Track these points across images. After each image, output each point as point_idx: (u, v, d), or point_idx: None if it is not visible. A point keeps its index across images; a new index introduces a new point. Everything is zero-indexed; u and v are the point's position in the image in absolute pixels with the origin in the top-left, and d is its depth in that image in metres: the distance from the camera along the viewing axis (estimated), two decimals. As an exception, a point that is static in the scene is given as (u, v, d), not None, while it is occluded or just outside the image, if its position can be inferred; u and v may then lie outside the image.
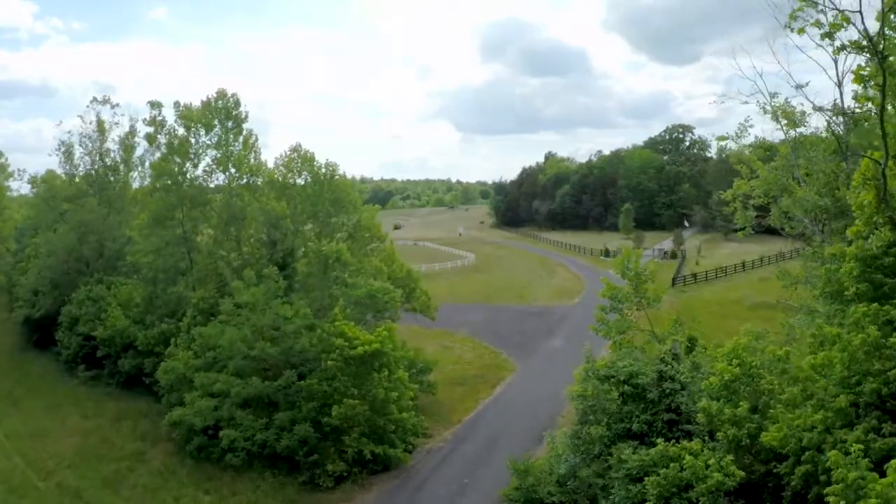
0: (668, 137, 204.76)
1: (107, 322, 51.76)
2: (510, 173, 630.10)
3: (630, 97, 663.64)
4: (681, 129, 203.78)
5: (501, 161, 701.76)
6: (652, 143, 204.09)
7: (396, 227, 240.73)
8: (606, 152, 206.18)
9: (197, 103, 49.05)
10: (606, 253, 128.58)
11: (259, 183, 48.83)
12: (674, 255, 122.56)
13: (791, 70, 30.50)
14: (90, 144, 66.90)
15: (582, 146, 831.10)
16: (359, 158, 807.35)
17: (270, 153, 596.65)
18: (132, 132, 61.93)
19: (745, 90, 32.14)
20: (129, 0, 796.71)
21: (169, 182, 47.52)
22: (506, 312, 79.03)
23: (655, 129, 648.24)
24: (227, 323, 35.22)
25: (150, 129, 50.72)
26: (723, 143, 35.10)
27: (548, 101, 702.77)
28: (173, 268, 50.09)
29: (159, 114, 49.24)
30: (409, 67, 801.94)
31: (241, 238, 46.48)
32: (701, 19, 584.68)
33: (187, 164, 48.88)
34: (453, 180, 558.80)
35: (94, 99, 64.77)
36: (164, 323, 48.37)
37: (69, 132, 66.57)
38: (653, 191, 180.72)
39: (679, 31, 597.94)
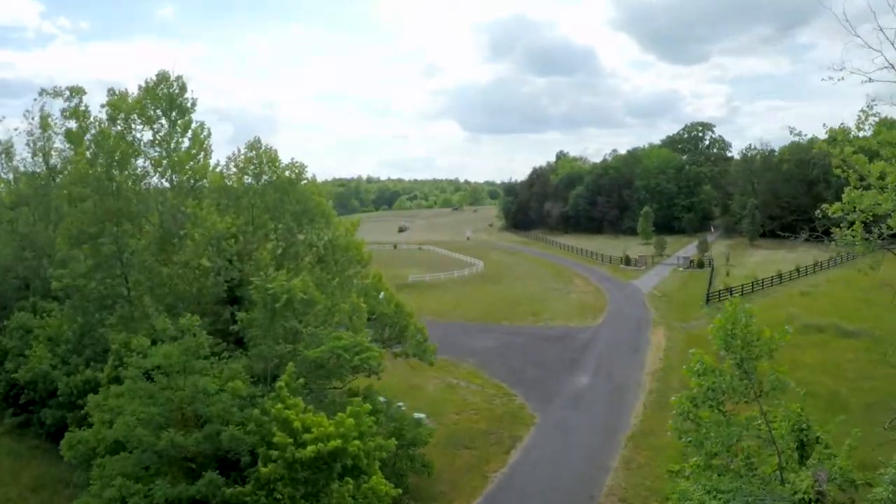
0: (686, 136, 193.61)
1: (30, 361, 41.68)
2: (517, 173, 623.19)
3: (637, 96, 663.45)
4: (700, 128, 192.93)
5: (507, 160, 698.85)
6: (670, 142, 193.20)
7: (401, 230, 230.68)
8: (622, 151, 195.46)
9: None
10: (627, 261, 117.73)
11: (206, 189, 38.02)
12: (700, 264, 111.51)
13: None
14: (34, 144, 57.42)
15: (589, 146, 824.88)
16: (365, 158, 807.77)
17: (279, 153, 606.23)
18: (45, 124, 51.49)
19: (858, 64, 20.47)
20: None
21: (91, 190, 36.81)
22: (519, 336, 68.59)
23: (663, 128, 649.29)
24: (133, 395, 24.60)
25: (73, 124, 40.28)
26: (839, 137, 23.56)
27: (554, 100, 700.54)
28: (109, 296, 39.51)
29: (80, 103, 38.73)
30: (415, 66, 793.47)
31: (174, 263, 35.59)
32: (708, 18, 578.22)
33: (118, 167, 38.11)
34: (460, 180, 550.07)
35: (43, 91, 54.49)
36: (91, 368, 38.29)
37: (16, 129, 57.53)
38: (672, 192, 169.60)
39: (686, 31, 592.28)
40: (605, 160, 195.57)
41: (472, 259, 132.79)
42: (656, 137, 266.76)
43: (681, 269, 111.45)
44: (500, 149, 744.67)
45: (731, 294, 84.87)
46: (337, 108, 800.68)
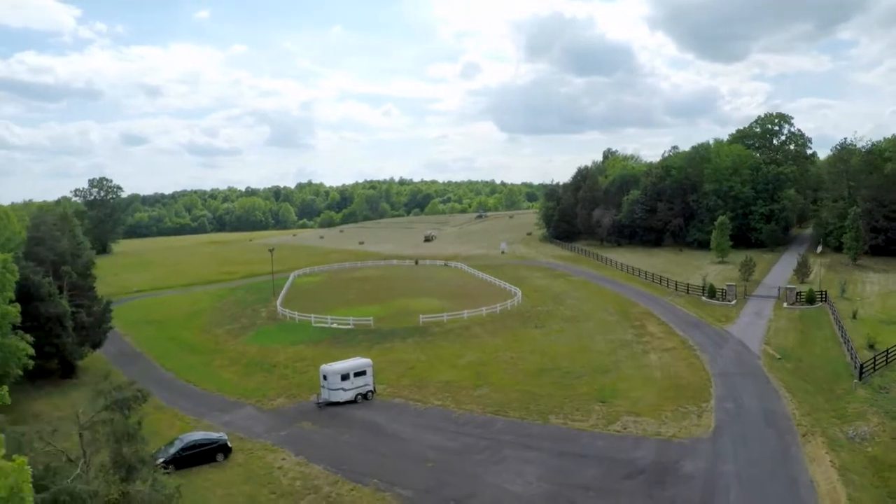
0: (758, 130, 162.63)
1: None
2: (556, 174, 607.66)
3: (677, 95, 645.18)
4: (776, 119, 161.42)
5: (546, 161, 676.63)
6: (740, 137, 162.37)
7: (428, 240, 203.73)
8: (684, 148, 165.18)
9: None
10: (711, 292, 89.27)
11: None
12: (810, 299, 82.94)
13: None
14: None
15: (628, 146, 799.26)
16: (402, 159, 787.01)
17: (316, 155, 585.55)
18: None
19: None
20: (171, 3, 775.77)
21: None
22: (585, 462, 41.06)
23: (703, 127, 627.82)
24: None
25: None
26: None
27: (593, 99, 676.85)
28: None
29: None
30: (453, 66, 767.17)
31: None
32: (747, 15, 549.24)
33: None
34: (497, 181, 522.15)
35: None
36: None
37: None
38: (748, 198, 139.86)
39: (725, 28, 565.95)
40: (665, 158, 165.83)
41: (507, 285, 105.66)
42: (699, 138, 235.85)
43: (786, 305, 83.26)
44: (538, 150, 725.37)
45: (886, 360, 56.85)
46: (374, 110, 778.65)
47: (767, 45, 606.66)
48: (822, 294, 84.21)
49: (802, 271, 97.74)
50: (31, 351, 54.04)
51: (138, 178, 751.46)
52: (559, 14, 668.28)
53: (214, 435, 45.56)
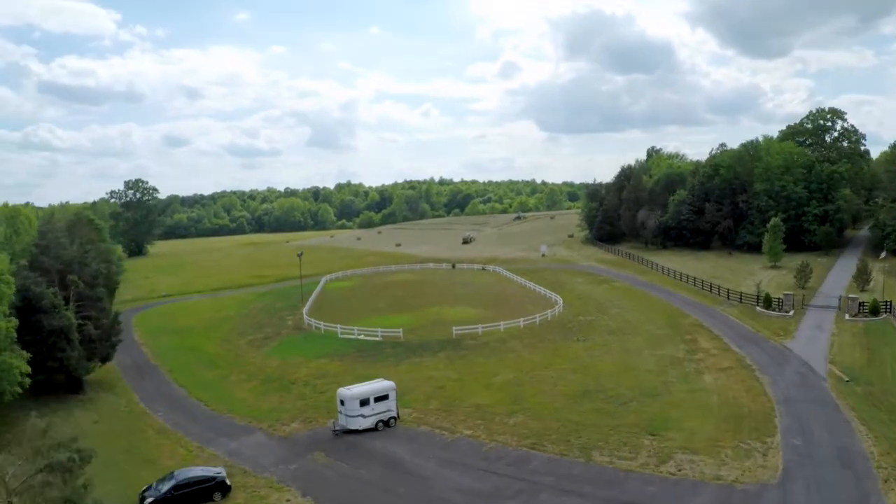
0: (810, 126, 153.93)
1: None
2: (597, 173, 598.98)
3: (718, 93, 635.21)
4: (828, 115, 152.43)
5: (587, 160, 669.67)
6: (791, 134, 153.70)
7: (466, 241, 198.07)
8: (732, 146, 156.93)
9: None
10: (767, 302, 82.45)
11: None
12: (874, 310, 75.82)
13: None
14: None
15: (669, 144, 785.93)
16: (442, 159, 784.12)
17: (356, 155, 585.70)
18: None
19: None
20: (211, 6, 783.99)
21: None
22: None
23: (744, 125, 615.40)
24: None
25: None
26: None
27: (634, 98, 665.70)
28: None
29: None
30: (493, 65, 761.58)
31: None
32: (788, 10, 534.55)
33: None
34: (538, 181, 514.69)
35: None
36: None
37: None
38: (801, 198, 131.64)
39: (766, 24, 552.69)
40: (712, 156, 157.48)
41: (547, 292, 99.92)
42: (741, 136, 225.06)
43: (847, 316, 76.27)
44: (579, 149, 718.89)
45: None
46: (413, 110, 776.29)
47: (809, 41, 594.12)
48: (886, 305, 77.02)
49: (862, 278, 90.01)
50: (27, 368, 49.85)
51: (180, 180, 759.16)
52: (599, 11, 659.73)
53: (212, 471, 40.58)
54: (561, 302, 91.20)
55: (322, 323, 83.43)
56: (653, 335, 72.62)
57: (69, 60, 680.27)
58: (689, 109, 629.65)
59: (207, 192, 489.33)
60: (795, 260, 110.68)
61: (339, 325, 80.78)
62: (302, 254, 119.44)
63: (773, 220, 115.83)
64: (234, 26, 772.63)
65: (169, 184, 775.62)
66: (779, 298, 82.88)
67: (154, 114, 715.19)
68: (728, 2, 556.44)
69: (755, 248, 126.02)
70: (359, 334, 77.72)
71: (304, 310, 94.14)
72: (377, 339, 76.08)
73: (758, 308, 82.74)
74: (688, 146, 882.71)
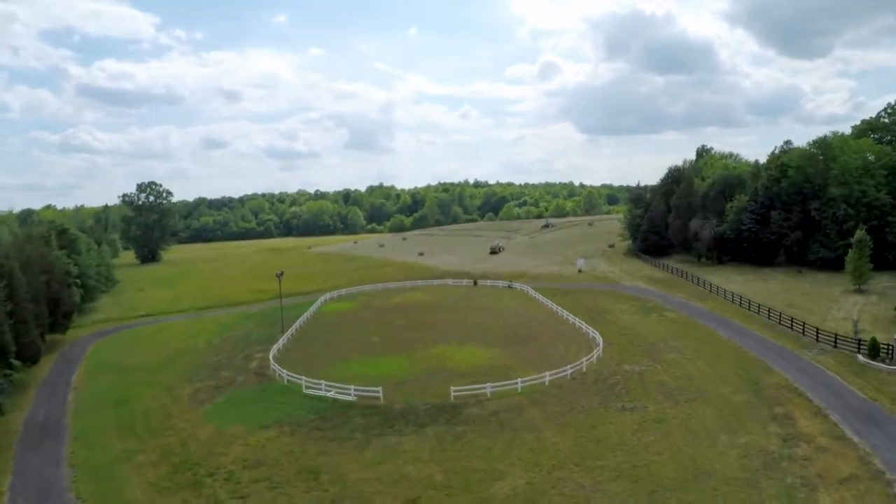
0: (887, 121, 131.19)
1: None
2: (637, 175, 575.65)
3: (758, 94, 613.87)
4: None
5: (626, 162, 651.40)
6: (866, 130, 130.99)
7: (494, 252, 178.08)
8: (799, 143, 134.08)
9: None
10: (873, 350, 61.51)
11: None
12: None
13: None
14: None
15: (709, 146, 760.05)
16: (480, 161, 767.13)
17: (395, 157, 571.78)
18: None
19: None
20: (249, 8, 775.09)
21: None
22: None
23: (785, 126, 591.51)
24: None
25: None
26: None
27: (673, 99, 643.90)
28: None
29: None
30: (531, 67, 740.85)
31: None
32: (829, 9, 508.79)
33: None
34: (576, 183, 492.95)
35: None
36: None
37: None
38: (884, 205, 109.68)
39: (806, 23, 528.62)
40: (775, 155, 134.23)
41: (583, 325, 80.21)
42: (781, 138, 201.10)
43: None
44: (617, 151, 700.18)
45: None
46: (452, 112, 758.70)
47: (851, 40, 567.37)
48: None
49: None
50: None
51: (221, 181, 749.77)
52: (639, 12, 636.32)
53: None
54: (601, 342, 71.51)
55: (286, 372, 64.67)
56: (728, 403, 52.29)
57: (108, 63, 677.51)
58: (729, 111, 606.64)
59: (248, 193, 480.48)
60: (881, 281, 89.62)
61: (304, 378, 61.77)
62: (282, 273, 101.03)
63: (859, 233, 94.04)
64: (271, 28, 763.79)
65: (209, 185, 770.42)
66: (889, 345, 62.04)
67: (192, 116, 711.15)
68: (768, 1, 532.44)
69: (830, 266, 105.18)
70: (327, 391, 58.75)
71: (275, 348, 75.74)
72: (349, 398, 57.04)
73: (859, 356, 62.14)
74: (728, 148, 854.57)
